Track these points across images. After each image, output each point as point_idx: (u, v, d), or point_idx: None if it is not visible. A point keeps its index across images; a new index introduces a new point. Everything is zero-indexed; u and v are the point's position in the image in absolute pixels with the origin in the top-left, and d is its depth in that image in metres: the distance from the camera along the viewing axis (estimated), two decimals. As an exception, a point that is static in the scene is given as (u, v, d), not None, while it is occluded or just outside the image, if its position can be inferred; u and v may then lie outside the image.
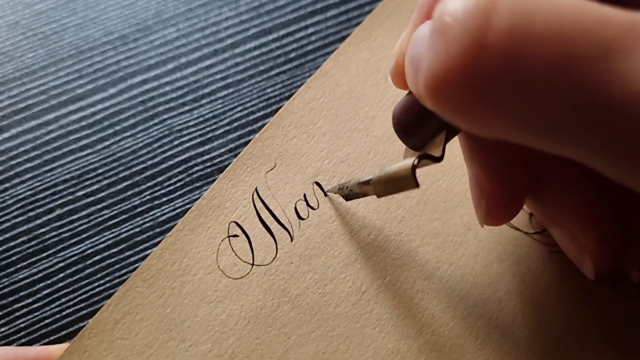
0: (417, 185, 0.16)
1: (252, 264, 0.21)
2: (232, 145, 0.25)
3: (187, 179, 0.25)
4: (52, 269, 0.23)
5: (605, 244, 0.18)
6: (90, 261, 0.23)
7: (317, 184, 0.23)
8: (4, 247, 0.23)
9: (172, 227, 0.22)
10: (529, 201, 0.20)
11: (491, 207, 0.18)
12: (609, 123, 0.11)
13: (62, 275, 0.23)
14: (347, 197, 0.22)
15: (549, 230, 0.20)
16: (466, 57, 0.12)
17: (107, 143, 0.26)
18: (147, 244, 0.23)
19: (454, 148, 0.23)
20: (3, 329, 0.22)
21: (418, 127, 0.16)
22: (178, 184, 0.25)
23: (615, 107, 0.11)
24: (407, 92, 0.17)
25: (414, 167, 0.16)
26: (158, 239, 0.23)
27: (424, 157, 0.16)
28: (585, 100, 0.11)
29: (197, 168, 0.25)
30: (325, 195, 0.22)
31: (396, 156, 0.23)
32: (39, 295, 0.22)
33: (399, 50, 0.16)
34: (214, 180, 0.23)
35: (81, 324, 0.22)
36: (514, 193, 0.18)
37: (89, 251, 0.23)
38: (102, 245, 0.23)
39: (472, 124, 0.13)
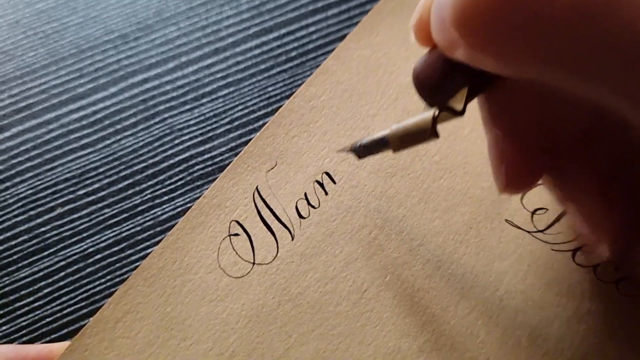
0: (437, 135, 0.16)
1: (253, 263, 0.21)
2: (233, 144, 0.25)
3: (188, 178, 0.25)
4: (53, 268, 0.23)
5: (623, 224, 0.17)
6: (91, 260, 0.23)
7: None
8: (5, 245, 0.23)
9: (173, 225, 0.22)
10: (545, 176, 0.19)
11: (511, 173, 0.18)
12: (636, 61, 0.11)
13: (63, 274, 0.23)
14: (360, 154, 0.20)
15: (565, 207, 0.20)
16: None
17: (108, 142, 0.26)
18: (147, 243, 0.23)
19: (455, 146, 0.23)
20: (4, 328, 0.22)
21: (440, 83, 0.16)
22: (179, 183, 0.25)
23: None
24: (428, 50, 0.16)
25: (434, 118, 0.16)
26: (159, 238, 0.23)
27: (445, 109, 0.15)
28: (620, 37, 0.11)
29: (197, 167, 0.25)
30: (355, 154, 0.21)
31: (396, 155, 0.23)
32: (40, 294, 0.22)
33: (425, 3, 0.16)
34: (214, 179, 0.23)
35: (82, 323, 0.22)
36: (535, 159, 0.18)
37: (90, 250, 0.23)
38: (103, 244, 0.23)
39: (500, 58, 0.13)
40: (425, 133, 0.16)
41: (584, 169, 0.18)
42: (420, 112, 0.17)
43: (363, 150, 0.20)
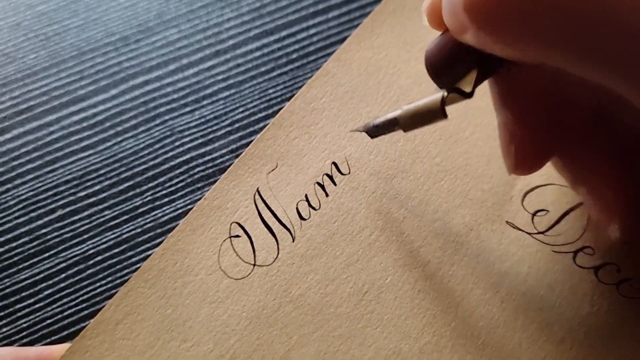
0: (445, 116, 0.16)
1: (254, 265, 0.21)
2: (234, 146, 0.25)
3: (189, 180, 0.25)
4: (53, 270, 0.23)
5: (634, 206, 0.18)
6: (91, 261, 0.23)
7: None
8: (6, 247, 0.23)
9: (174, 227, 0.22)
10: (556, 158, 0.19)
11: (521, 154, 0.18)
12: (638, 47, 0.11)
13: (63, 275, 0.23)
14: (372, 134, 0.21)
15: (574, 189, 0.20)
16: None
17: (108, 144, 0.26)
18: (148, 245, 0.23)
19: (456, 147, 0.23)
20: (5, 329, 0.22)
21: (450, 65, 0.16)
22: (179, 185, 0.25)
23: None
24: (440, 33, 0.17)
25: (443, 99, 0.16)
26: (159, 240, 0.23)
27: (454, 91, 0.16)
28: (623, 24, 0.11)
29: (198, 169, 0.25)
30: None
31: (396, 157, 0.23)
32: (40, 296, 0.22)
33: None
34: (215, 181, 0.23)
35: (83, 324, 0.22)
36: (545, 140, 0.18)
37: (91, 251, 0.23)
38: (104, 246, 0.23)
39: (508, 42, 0.13)
40: (434, 113, 0.17)
41: (594, 150, 0.18)
42: (431, 94, 0.17)
43: (375, 130, 0.21)
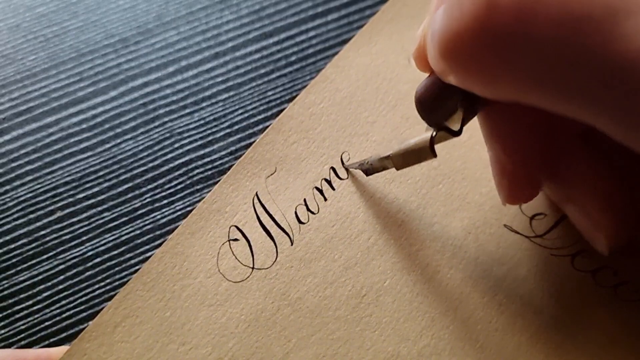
0: (434, 155, 0.17)
1: (253, 268, 0.21)
2: (233, 148, 0.25)
3: (188, 182, 0.25)
4: (52, 272, 0.23)
5: (619, 220, 0.18)
6: (90, 264, 0.23)
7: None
8: (4, 249, 0.23)
9: (173, 229, 0.22)
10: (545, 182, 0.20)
11: (513, 186, 0.19)
12: (613, 81, 0.11)
13: (62, 277, 0.23)
14: (367, 172, 0.22)
15: (564, 208, 0.20)
16: (479, 15, 0.13)
17: (107, 145, 0.26)
18: (147, 247, 0.23)
19: (454, 151, 0.23)
20: (3, 332, 0.22)
21: (438, 104, 0.17)
22: (178, 187, 0.25)
23: (619, 66, 0.11)
24: (428, 75, 0.18)
25: (432, 138, 0.17)
26: (158, 242, 0.23)
27: (442, 129, 0.17)
28: (592, 59, 0.11)
29: (197, 171, 0.25)
30: (347, 172, 0.23)
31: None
32: (39, 298, 0.22)
33: (422, 33, 0.17)
34: (214, 183, 0.23)
35: (81, 327, 0.22)
36: (535, 172, 0.19)
37: (90, 254, 0.23)
38: (103, 248, 0.23)
39: (484, 84, 0.14)
40: (424, 152, 0.17)
41: (581, 168, 0.18)
42: (421, 133, 0.18)
43: (370, 169, 0.22)
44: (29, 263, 0.23)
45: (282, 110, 0.25)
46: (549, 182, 0.20)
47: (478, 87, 0.14)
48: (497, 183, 0.19)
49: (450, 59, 0.14)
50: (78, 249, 0.23)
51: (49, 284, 0.23)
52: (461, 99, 0.16)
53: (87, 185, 0.25)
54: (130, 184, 0.25)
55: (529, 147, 0.18)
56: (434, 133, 0.17)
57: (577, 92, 0.12)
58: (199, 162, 0.25)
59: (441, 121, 0.17)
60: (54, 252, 0.23)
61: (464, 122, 0.16)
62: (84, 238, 0.24)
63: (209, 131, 0.26)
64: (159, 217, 0.24)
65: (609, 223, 0.18)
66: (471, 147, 0.23)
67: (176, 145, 0.25)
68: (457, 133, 0.16)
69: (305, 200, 0.23)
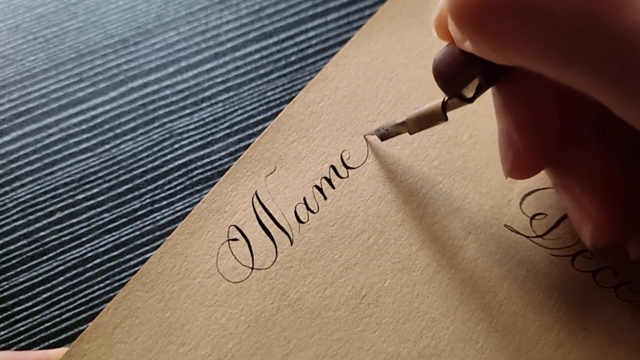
0: (446, 118, 0.18)
1: (252, 268, 0.21)
2: (233, 149, 0.25)
3: (187, 182, 0.25)
4: (52, 273, 0.23)
5: (609, 213, 0.18)
6: (90, 265, 0.23)
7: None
8: (4, 250, 0.23)
9: (172, 230, 0.22)
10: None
11: (518, 160, 0.19)
12: (617, 51, 0.12)
13: (62, 278, 0.23)
14: (383, 137, 0.23)
15: (560, 196, 0.20)
16: None
17: (107, 146, 0.26)
18: (147, 248, 0.23)
19: (454, 151, 0.23)
20: (2, 333, 0.22)
21: (455, 73, 0.17)
22: (178, 187, 0.25)
23: (625, 37, 0.12)
24: (447, 43, 0.18)
25: (444, 103, 0.18)
26: (158, 243, 0.23)
27: (455, 96, 0.18)
28: (598, 28, 0.12)
29: (197, 171, 0.25)
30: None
31: (394, 161, 0.23)
32: (38, 299, 0.22)
33: (443, 2, 0.17)
34: (214, 184, 0.23)
35: (81, 328, 0.22)
36: (541, 152, 0.19)
37: (89, 255, 0.23)
38: (102, 249, 0.23)
39: (494, 49, 0.15)
40: (436, 116, 0.19)
41: (586, 160, 0.18)
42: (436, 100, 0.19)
43: (386, 134, 0.23)
44: (29, 264, 0.23)
45: (281, 111, 0.25)
46: (551, 164, 0.20)
47: (489, 52, 0.15)
48: (502, 155, 0.20)
49: (463, 24, 0.15)
50: (77, 250, 0.23)
51: (49, 285, 0.23)
52: (478, 68, 0.16)
53: (87, 186, 0.25)
54: (129, 185, 0.25)
55: (540, 128, 0.19)
56: (446, 99, 0.18)
57: (581, 60, 0.12)
58: (199, 163, 0.25)
59: (457, 89, 0.17)
60: (54, 253, 0.23)
61: (478, 91, 0.17)
62: (84, 239, 0.23)
63: (208, 132, 0.26)
64: (158, 218, 0.24)
65: (597, 213, 0.18)
66: (471, 146, 0.23)
67: (176, 146, 0.25)
68: (470, 100, 0.17)
69: (305, 199, 0.23)
